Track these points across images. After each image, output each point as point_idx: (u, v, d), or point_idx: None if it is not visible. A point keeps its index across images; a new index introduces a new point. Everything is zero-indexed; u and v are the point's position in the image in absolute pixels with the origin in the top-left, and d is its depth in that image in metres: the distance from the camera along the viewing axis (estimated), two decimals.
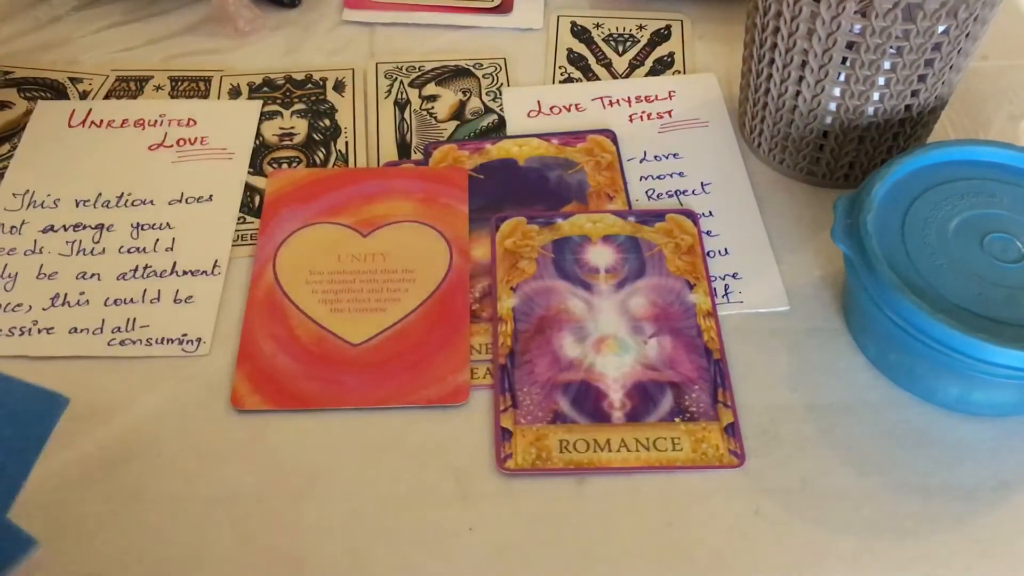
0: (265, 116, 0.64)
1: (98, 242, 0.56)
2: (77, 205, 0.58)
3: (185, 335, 0.52)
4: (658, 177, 0.60)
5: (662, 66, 0.68)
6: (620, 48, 0.69)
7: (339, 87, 0.66)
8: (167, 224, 0.57)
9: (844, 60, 0.52)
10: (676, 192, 0.59)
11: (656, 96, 0.65)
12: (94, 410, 0.49)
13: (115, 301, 0.53)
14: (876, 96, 0.53)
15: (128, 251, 0.56)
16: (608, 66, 0.68)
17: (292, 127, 0.63)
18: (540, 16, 0.71)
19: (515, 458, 0.47)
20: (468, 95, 0.65)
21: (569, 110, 0.64)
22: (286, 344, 0.51)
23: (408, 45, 0.69)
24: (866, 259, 0.46)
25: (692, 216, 0.57)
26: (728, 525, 0.45)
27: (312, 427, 0.48)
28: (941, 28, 0.49)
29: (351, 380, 0.50)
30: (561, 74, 0.67)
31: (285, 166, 0.61)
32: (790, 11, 0.51)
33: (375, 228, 0.56)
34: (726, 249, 0.56)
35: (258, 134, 0.63)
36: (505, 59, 0.68)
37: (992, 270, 0.46)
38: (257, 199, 0.59)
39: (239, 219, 0.58)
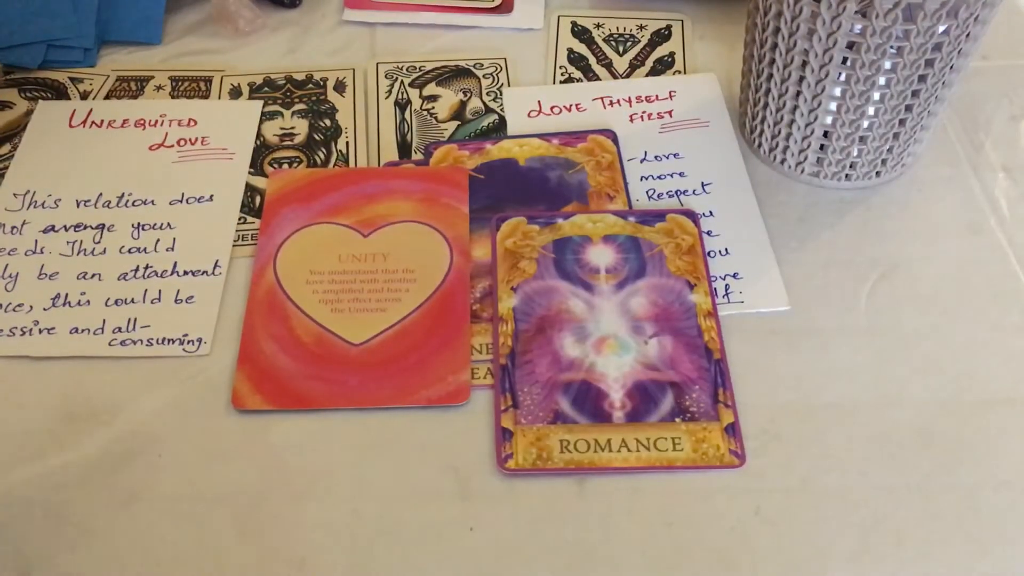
0: (266, 116, 0.64)
1: (99, 242, 0.56)
2: (78, 205, 0.58)
3: (186, 335, 0.52)
4: (658, 177, 0.60)
5: (662, 66, 0.68)
6: (620, 48, 0.69)
7: (340, 87, 0.66)
8: (168, 224, 0.57)
9: (844, 60, 0.52)
10: (676, 192, 0.59)
11: (656, 96, 0.65)
12: (94, 410, 0.49)
13: (116, 301, 0.53)
14: (877, 96, 0.53)
15: (129, 251, 0.56)
16: (608, 66, 0.68)
17: (293, 127, 0.63)
18: (540, 16, 0.71)
19: (516, 458, 0.47)
20: (469, 95, 0.65)
21: (570, 110, 0.64)
22: (287, 344, 0.51)
23: (409, 45, 0.69)
24: None
25: (692, 216, 0.57)
26: (728, 525, 0.45)
27: (313, 427, 0.49)
28: (941, 28, 0.49)
29: (352, 380, 0.50)
30: (562, 74, 0.67)
31: (286, 166, 0.61)
32: (790, 11, 0.51)
33: (376, 228, 0.56)
34: (726, 249, 0.56)
35: (259, 134, 0.63)
36: (505, 59, 0.68)
37: None
38: (258, 199, 0.59)
39: (240, 219, 0.58)
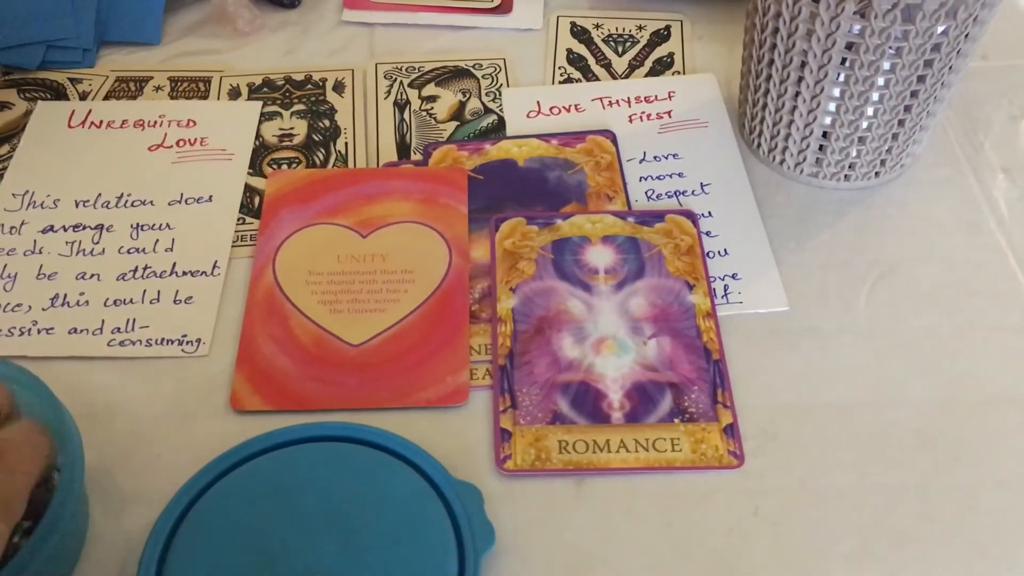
0: (265, 117, 0.64)
1: (98, 242, 0.56)
2: (77, 205, 0.58)
3: (185, 336, 0.52)
4: (658, 177, 0.60)
5: (662, 66, 0.68)
6: (620, 48, 0.69)
7: (339, 88, 0.66)
8: (167, 225, 0.57)
9: (843, 60, 0.52)
10: (676, 192, 0.59)
11: (656, 96, 0.65)
12: (94, 410, 0.49)
13: (115, 301, 0.53)
14: (876, 96, 0.53)
15: (128, 251, 0.56)
16: (608, 66, 0.68)
17: (292, 128, 0.63)
18: (540, 16, 0.71)
19: (514, 459, 0.47)
20: (468, 95, 0.65)
21: (569, 111, 0.64)
22: (286, 345, 0.51)
23: (408, 45, 0.69)
24: None
25: (692, 217, 0.57)
26: (728, 525, 0.45)
27: None
28: (940, 29, 0.49)
29: (350, 381, 0.50)
30: (561, 74, 0.67)
31: (285, 167, 0.61)
32: (789, 12, 0.51)
33: (374, 229, 0.56)
34: (725, 250, 0.56)
35: (258, 135, 0.63)
36: (505, 59, 0.68)
37: None
38: (257, 200, 0.59)
39: (239, 220, 0.58)
